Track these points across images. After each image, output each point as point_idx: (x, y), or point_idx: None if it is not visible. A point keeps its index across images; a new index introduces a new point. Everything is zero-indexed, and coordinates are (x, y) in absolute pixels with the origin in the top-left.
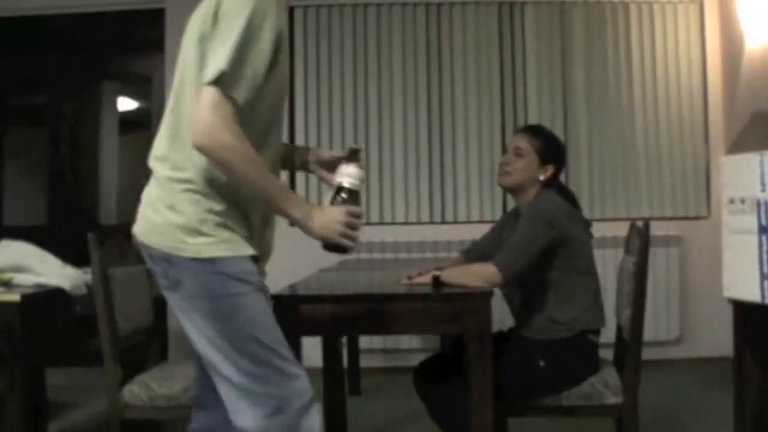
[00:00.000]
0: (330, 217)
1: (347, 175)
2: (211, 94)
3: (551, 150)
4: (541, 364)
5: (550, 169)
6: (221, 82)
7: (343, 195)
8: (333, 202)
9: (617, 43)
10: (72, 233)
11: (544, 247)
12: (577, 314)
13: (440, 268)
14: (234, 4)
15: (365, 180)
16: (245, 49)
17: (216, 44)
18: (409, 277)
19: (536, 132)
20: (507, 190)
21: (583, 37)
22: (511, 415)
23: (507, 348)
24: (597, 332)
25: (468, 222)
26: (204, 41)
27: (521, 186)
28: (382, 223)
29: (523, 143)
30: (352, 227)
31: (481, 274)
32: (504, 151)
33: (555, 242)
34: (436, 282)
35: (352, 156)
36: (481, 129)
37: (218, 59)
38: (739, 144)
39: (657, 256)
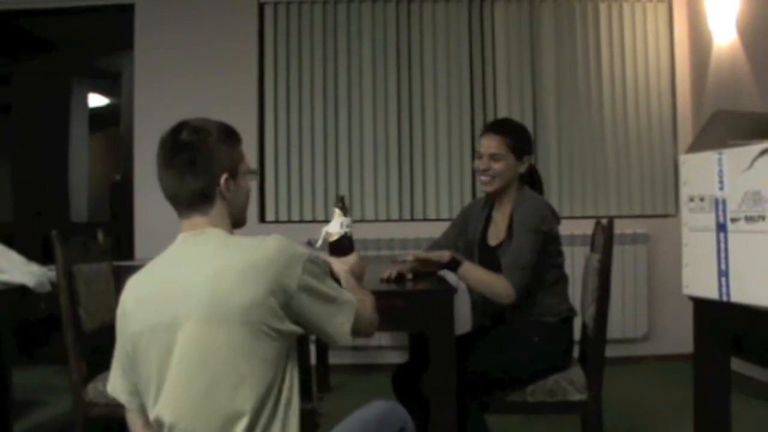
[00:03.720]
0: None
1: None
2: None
3: (523, 143)
4: (535, 339)
5: (526, 161)
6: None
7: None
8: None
9: (587, 41)
10: (40, 231)
11: (539, 250)
12: (559, 301)
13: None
14: (314, 277)
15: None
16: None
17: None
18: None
19: (505, 129)
20: (491, 194)
21: (553, 35)
22: (488, 410)
23: (498, 332)
24: (572, 320)
25: (437, 219)
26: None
27: (506, 187)
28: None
29: (498, 146)
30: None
31: (497, 292)
32: (476, 154)
33: (545, 241)
34: (451, 263)
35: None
36: (451, 126)
37: (345, 326)
38: (698, 142)
39: (625, 254)
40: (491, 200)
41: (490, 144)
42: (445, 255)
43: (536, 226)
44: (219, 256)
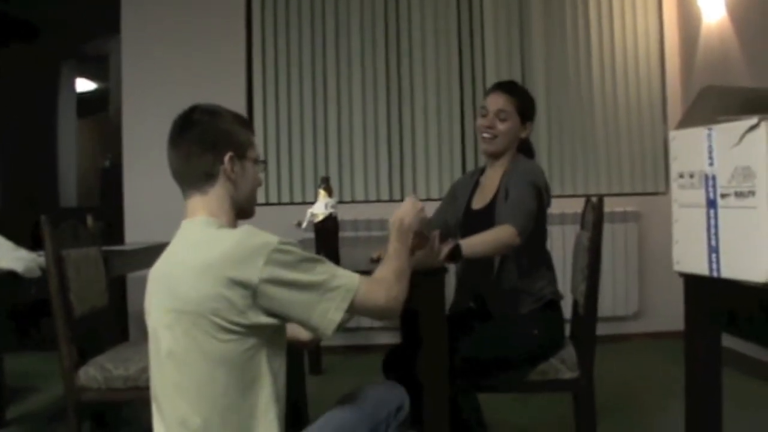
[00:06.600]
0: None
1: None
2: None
3: (529, 107)
4: (535, 332)
5: (529, 127)
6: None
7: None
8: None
9: (576, 20)
10: (29, 216)
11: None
12: (543, 283)
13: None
14: (294, 266)
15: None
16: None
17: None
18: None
19: (514, 90)
20: (491, 155)
21: (542, 14)
22: (480, 390)
23: (493, 321)
24: (560, 303)
25: (427, 199)
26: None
27: (506, 149)
28: (341, 201)
29: (506, 104)
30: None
31: (502, 240)
32: (479, 111)
33: (539, 203)
34: (453, 253)
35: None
36: (440, 106)
37: (330, 313)
38: (688, 119)
39: (615, 232)
40: (480, 169)
41: (497, 101)
42: (444, 250)
43: (534, 180)
44: (186, 250)
